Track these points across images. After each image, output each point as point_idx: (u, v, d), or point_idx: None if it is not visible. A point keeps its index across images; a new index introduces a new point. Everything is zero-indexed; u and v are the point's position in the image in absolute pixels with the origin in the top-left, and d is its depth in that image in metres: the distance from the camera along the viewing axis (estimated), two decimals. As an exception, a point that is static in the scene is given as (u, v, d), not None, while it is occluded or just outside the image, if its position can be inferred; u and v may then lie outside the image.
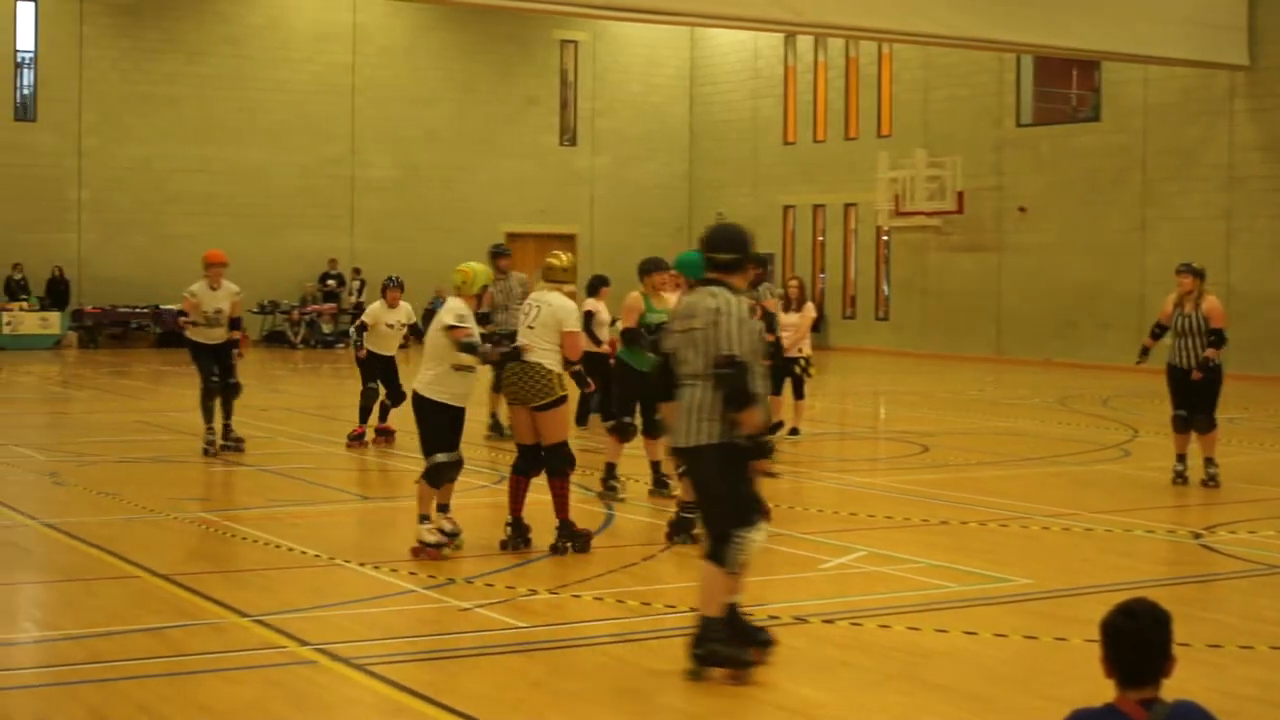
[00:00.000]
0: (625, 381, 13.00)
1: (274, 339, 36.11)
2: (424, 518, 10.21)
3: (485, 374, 12.99)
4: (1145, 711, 4.26)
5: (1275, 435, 19.18)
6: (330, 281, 36.83)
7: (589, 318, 14.63)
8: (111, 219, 35.48)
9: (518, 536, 10.56)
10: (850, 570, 10.17)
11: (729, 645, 7.33)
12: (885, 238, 36.93)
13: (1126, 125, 31.21)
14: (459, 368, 10.22)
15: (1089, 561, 10.58)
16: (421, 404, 10.27)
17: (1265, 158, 29.00)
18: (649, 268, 12.93)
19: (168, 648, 7.84)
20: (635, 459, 13.66)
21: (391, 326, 16.41)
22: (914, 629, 8.35)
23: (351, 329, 17.37)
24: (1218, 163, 29.62)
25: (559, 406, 10.46)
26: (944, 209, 34.44)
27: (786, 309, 17.57)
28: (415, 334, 16.54)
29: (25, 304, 33.75)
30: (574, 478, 10.81)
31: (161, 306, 34.81)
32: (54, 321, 33.82)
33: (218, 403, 15.49)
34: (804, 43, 38.28)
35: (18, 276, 34.18)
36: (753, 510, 7.46)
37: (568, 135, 40.79)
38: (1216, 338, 13.93)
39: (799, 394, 17.63)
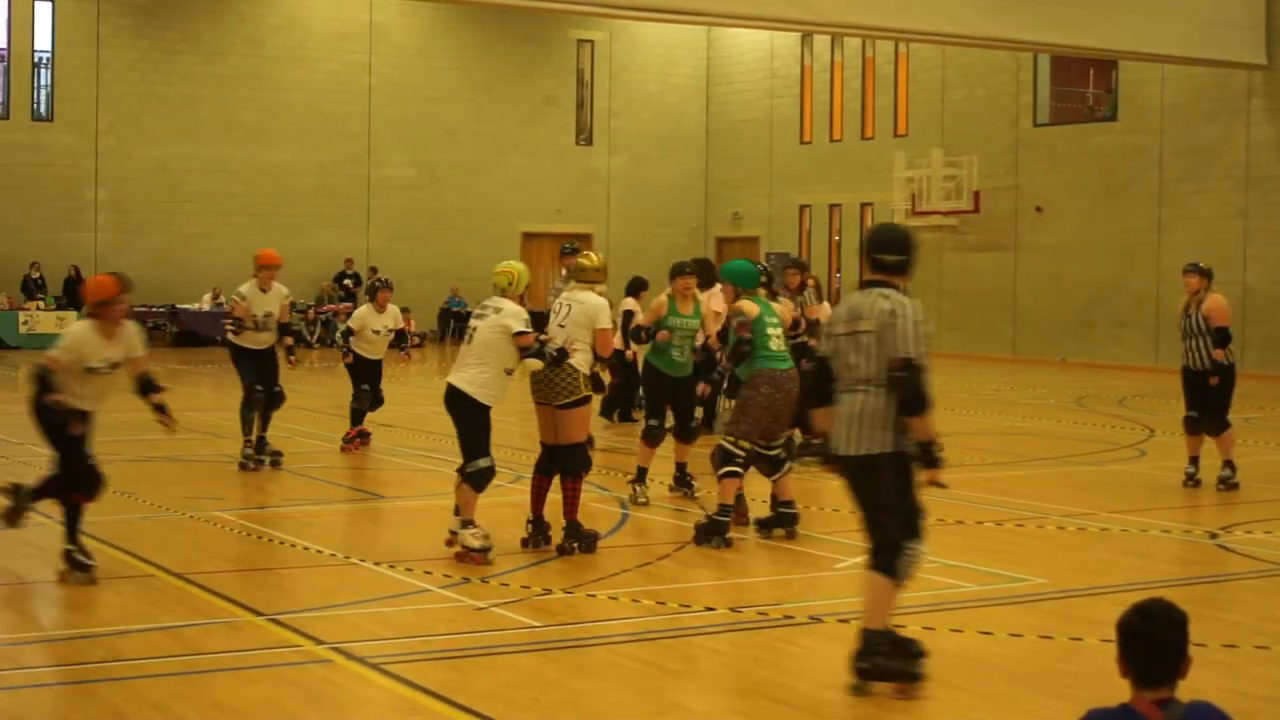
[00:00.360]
0: (653, 385, 12.95)
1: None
2: (468, 522, 10.06)
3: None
4: (1161, 712, 4.26)
5: (1292, 435, 19.13)
6: (347, 281, 36.87)
7: (628, 317, 14.69)
8: (128, 219, 35.56)
9: (539, 534, 10.56)
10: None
11: (895, 659, 7.10)
12: (901, 237, 36.81)
13: (1143, 125, 31.14)
14: (511, 372, 10.16)
15: (1104, 561, 10.57)
16: (468, 404, 10.05)
17: (1283, 157, 28.94)
18: (674, 271, 12.92)
19: (184, 646, 7.86)
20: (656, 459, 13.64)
21: (378, 332, 15.96)
22: (929, 629, 8.33)
23: (339, 334, 17.13)
24: (1235, 162, 29.55)
25: (581, 407, 10.45)
26: (960, 209, 34.40)
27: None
28: (400, 340, 16.17)
29: (42, 303, 33.85)
30: (592, 478, 10.79)
31: (178, 306, 34.92)
32: (70, 321, 33.81)
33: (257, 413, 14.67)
34: (821, 42, 38.25)
35: (36, 276, 34.28)
36: (920, 520, 7.24)
37: (584, 135, 40.79)
38: (1220, 336, 13.81)
39: None
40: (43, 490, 9.83)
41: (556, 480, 10.55)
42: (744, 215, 40.61)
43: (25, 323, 33.17)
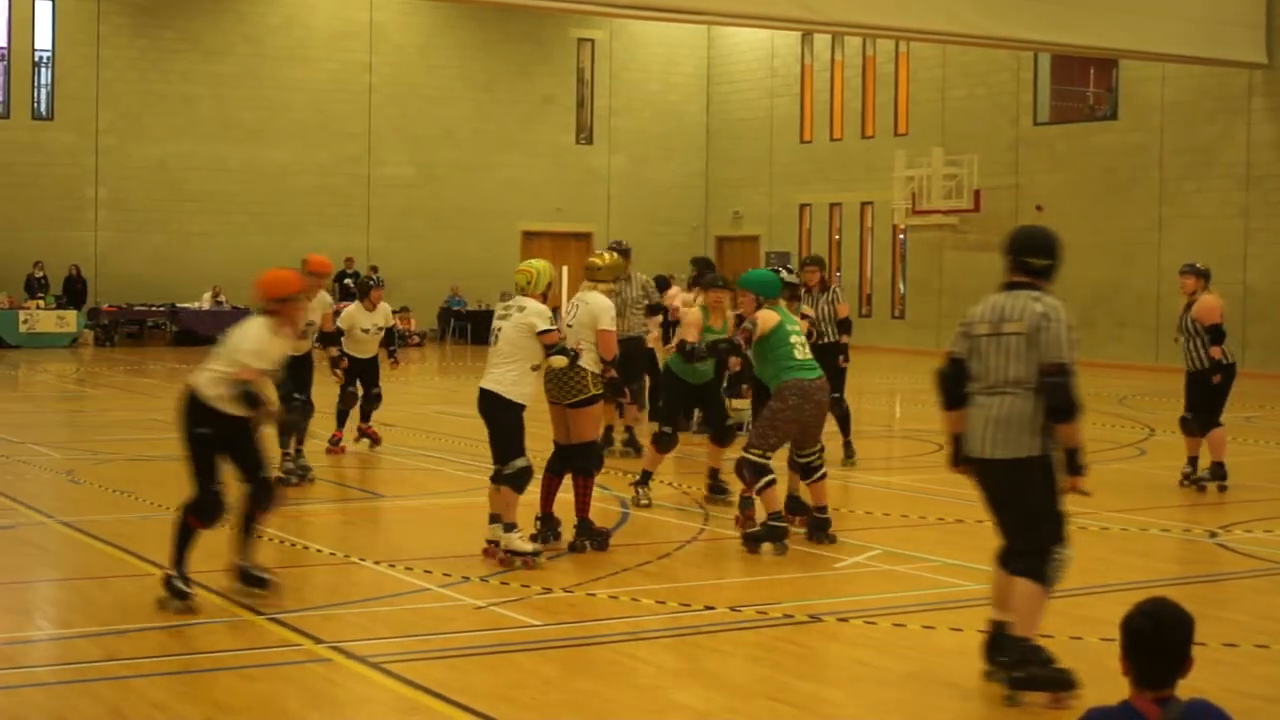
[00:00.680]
0: (673, 392, 12.88)
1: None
2: (512, 526, 9.94)
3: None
4: (1160, 710, 4.26)
5: (1293, 434, 19.12)
6: (347, 280, 36.86)
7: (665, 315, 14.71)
8: (128, 218, 35.57)
9: (548, 530, 10.55)
10: (865, 569, 10.16)
11: (1048, 668, 6.95)
12: (902, 236, 36.89)
13: (1144, 124, 31.14)
14: (537, 368, 10.14)
15: (1104, 560, 10.55)
16: (500, 404, 9.92)
17: (1283, 156, 28.93)
18: (707, 284, 12.81)
19: (183, 645, 7.86)
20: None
21: (367, 331, 15.43)
22: (929, 628, 8.34)
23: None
24: (1235, 161, 29.55)
25: (591, 405, 10.43)
26: (961, 208, 34.40)
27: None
28: (390, 340, 15.76)
29: (42, 302, 33.84)
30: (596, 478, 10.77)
31: (178, 305, 34.92)
32: (71, 320, 33.89)
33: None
34: (821, 41, 38.24)
35: (39, 275, 34.30)
36: (1065, 525, 7.07)
37: (584, 134, 40.79)
38: (1213, 335, 13.77)
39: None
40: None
41: (566, 479, 10.54)
42: (744, 214, 40.61)
43: (25, 322, 33.16)
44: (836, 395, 14.08)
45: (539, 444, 10.73)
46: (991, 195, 33.97)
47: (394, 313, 16.40)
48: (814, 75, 38.96)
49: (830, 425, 12.33)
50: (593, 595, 9.12)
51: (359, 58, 37.72)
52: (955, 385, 7.24)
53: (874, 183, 36.55)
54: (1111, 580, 9.77)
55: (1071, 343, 6.98)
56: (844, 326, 14.84)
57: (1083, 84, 34.41)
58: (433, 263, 37.84)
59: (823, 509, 10.91)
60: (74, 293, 34.60)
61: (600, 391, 10.51)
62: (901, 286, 37.09)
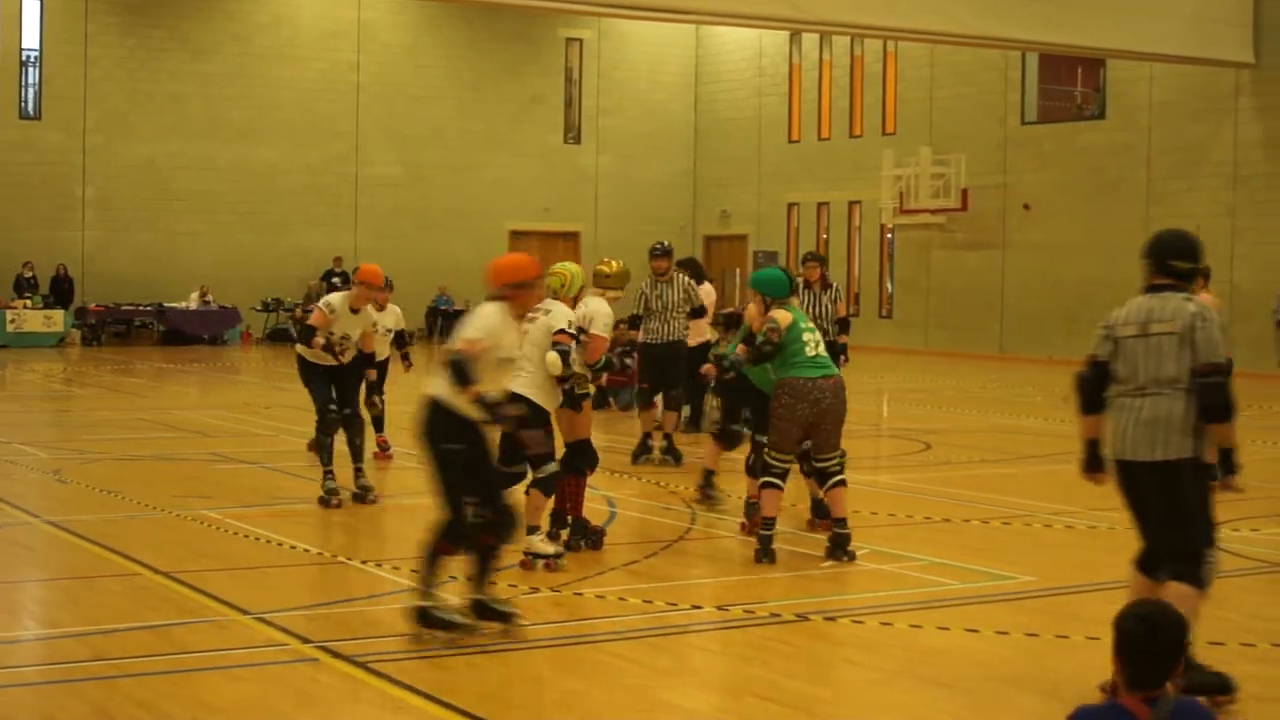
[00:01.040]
0: (743, 394, 12.58)
1: (277, 336, 36.09)
2: (535, 528, 9.88)
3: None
4: (1149, 709, 4.27)
5: (1278, 433, 19.15)
6: (335, 279, 36.81)
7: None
8: (116, 217, 35.52)
9: (571, 531, 10.52)
10: (852, 568, 10.16)
11: (1206, 671, 6.87)
12: (889, 235, 36.92)
13: (1131, 123, 31.20)
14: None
15: (1091, 559, 10.58)
16: (528, 408, 9.62)
17: (1270, 155, 28.98)
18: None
19: (170, 645, 7.84)
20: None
21: (377, 333, 14.82)
22: (916, 626, 8.34)
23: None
24: (1223, 160, 29.61)
25: (579, 406, 10.40)
26: (948, 207, 34.45)
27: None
28: (401, 342, 15.78)
29: (29, 302, 33.77)
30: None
31: (165, 304, 34.87)
32: (58, 319, 33.83)
33: (338, 438, 12.83)
34: (809, 40, 38.27)
35: (28, 274, 34.23)
36: (1215, 528, 7.00)
37: (572, 133, 40.79)
38: None
39: None
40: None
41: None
42: (732, 213, 40.62)
43: (13, 321, 33.10)
44: None
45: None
46: (979, 195, 34.01)
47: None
48: (802, 74, 38.99)
49: None
50: (580, 595, 9.12)
51: (347, 57, 37.69)
52: (1096, 389, 7.17)
53: (862, 182, 36.59)
54: (1099, 579, 9.78)
55: (1224, 343, 6.95)
56: (843, 326, 14.84)
57: (1070, 83, 34.47)
58: (420, 262, 37.79)
59: (842, 522, 10.40)
60: (61, 292, 34.53)
61: (589, 391, 10.50)
62: (889, 285, 37.12)
